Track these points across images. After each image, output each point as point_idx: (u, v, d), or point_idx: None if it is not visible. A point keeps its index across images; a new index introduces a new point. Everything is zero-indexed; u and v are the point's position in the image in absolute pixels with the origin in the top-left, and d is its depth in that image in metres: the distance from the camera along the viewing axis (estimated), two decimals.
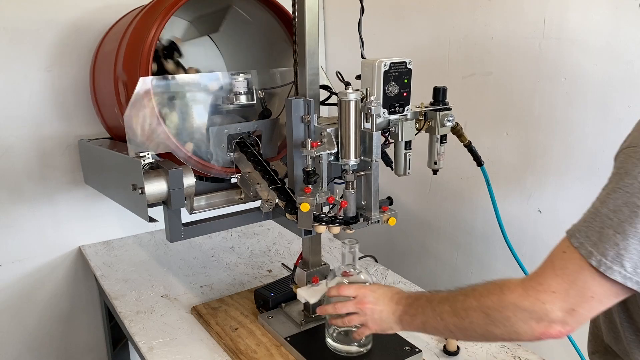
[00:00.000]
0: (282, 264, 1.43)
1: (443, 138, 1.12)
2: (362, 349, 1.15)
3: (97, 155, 1.44)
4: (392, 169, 1.14)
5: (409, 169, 1.11)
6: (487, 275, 1.75)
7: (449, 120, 1.10)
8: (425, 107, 1.10)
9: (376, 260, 1.66)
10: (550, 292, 0.74)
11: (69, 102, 1.72)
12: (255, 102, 1.28)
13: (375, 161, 1.05)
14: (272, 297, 1.32)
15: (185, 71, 1.56)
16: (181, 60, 1.62)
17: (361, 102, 1.02)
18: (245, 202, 1.30)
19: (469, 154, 1.20)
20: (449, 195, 1.85)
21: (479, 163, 1.21)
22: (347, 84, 1.03)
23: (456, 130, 1.15)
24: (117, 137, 1.54)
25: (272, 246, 1.84)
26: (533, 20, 1.47)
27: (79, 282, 1.87)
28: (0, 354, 1.78)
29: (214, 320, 1.32)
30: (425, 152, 1.14)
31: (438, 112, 1.08)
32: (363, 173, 1.07)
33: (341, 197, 1.08)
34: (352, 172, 1.06)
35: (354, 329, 1.06)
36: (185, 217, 1.21)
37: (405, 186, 1.95)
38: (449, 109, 1.10)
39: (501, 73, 1.59)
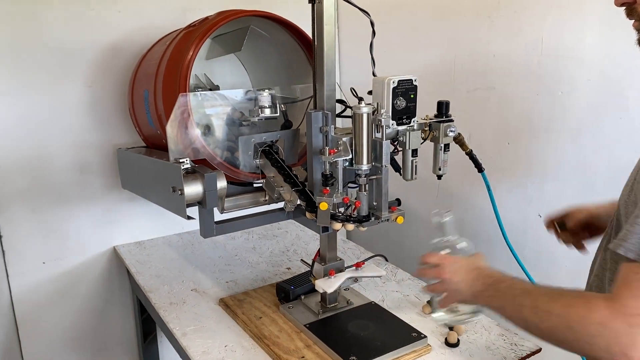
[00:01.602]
0: (302, 260, 1.56)
1: (446, 147, 1.23)
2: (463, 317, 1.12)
3: (137, 162, 1.59)
4: (400, 174, 1.27)
5: (416, 174, 1.24)
6: None
7: (451, 131, 1.21)
8: (430, 119, 1.22)
9: (386, 260, 1.78)
10: (636, 315, 0.76)
11: (106, 114, 1.88)
12: (278, 114, 1.42)
13: (385, 167, 1.18)
14: (292, 290, 1.46)
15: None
16: (210, 76, 1.78)
17: (373, 114, 1.15)
18: (269, 204, 1.44)
19: None
20: (455, 200, 1.95)
21: (480, 169, 1.30)
22: (360, 99, 1.16)
23: (458, 140, 1.25)
24: (153, 146, 1.69)
25: (290, 247, 1.98)
26: (532, 39, 1.57)
27: (113, 279, 2.02)
28: (42, 343, 1.93)
29: (240, 310, 1.46)
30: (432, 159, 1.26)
31: (441, 124, 1.21)
32: (374, 177, 1.20)
33: (355, 199, 1.22)
34: (365, 176, 1.19)
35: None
36: (217, 216, 1.35)
37: (415, 192, 2.06)
38: (451, 120, 1.22)
39: (503, 87, 1.69)
